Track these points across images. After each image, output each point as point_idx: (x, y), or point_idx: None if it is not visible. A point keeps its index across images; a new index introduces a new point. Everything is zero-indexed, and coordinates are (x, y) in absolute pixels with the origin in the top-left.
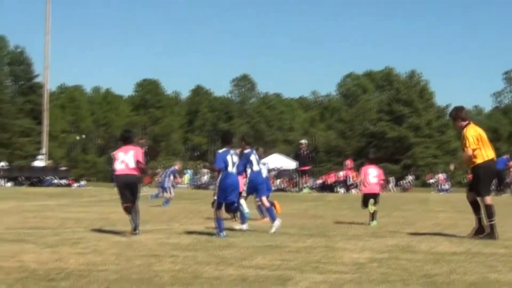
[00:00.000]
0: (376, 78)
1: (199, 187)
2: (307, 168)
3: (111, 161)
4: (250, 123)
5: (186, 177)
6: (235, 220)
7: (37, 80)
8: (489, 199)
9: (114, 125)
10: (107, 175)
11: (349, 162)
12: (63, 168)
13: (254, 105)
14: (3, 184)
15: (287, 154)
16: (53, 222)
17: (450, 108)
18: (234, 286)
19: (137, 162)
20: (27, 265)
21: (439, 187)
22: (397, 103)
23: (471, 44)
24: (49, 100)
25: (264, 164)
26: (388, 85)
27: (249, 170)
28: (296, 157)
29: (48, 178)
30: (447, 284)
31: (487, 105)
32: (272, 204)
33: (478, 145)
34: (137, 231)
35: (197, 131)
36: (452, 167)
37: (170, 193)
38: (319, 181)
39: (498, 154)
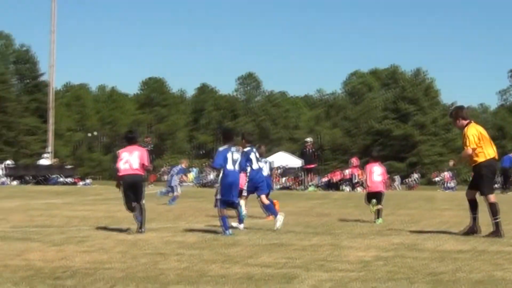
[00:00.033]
0: (382, 76)
1: (204, 185)
2: (312, 166)
3: (115, 159)
4: (256, 121)
5: (191, 175)
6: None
7: (42, 78)
8: (492, 197)
9: (119, 124)
10: (113, 174)
11: (354, 160)
12: (69, 167)
13: (260, 103)
14: (8, 183)
15: (293, 152)
16: (59, 221)
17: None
18: (240, 284)
19: (142, 165)
20: (33, 264)
21: (445, 185)
22: (403, 101)
23: (477, 42)
24: (55, 99)
25: (266, 162)
26: (394, 83)
27: (248, 169)
28: (301, 155)
29: (53, 176)
30: (452, 282)
31: (493, 103)
32: (272, 202)
33: (480, 144)
34: (142, 229)
35: (202, 129)
36: (451, 162)
37: (177, 191)
38: (325, 179)
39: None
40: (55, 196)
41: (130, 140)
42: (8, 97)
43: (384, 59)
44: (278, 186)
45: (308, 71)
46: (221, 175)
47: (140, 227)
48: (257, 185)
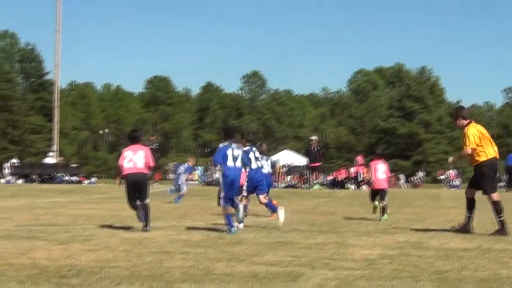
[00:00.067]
0: (387, 74)
1: (209, 183)
2: (317, 164)
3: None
4: (261, 119)
5: (196, 174)
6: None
7: (47, 77)
8: (495, 196)
9: (124, 122)
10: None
11: (359, 159)
12: (74, 165)
13: (265, 102)
14: (14, 181)
15: (298, 150)
16: (64, 219)
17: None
18: (245, 282)
19: (147, 164)
20: (39, 262)
21: (450, 183)
22: (408, 99)
23: (482, 40)
24: (60, 97)
25: (267, 159)
26: (399, 81)
27: (247, 168)
28: (306, 153)
29: (59, 175)
30: (458, 280)
31: (498, 101)
32: (270, 200)
33: (481, 144)
34: (148, 228)
35: (207, 127)
36: (450, 159)
37: (183, 190)
38: (330, 178)
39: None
40: (60, 194)
41: (134, 139)
42: (14, 96)
43: (389, 57)
44: (283, 185)
45: (313, 69)
46: (221, 172)
47: (145, 226)
48: (256, 184)
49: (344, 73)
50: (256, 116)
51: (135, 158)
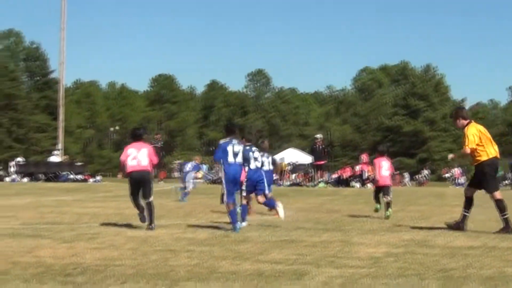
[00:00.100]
0: (392, 72)
1: (214, 182)
2: (322, 162)
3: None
4: (265, 118)
5: (201, 172)
6: (249, 212)
7: (52, 75)
8: (498, 194)
9: (129, 121)
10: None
11: (364, 157)
12: (79, 164)
13: (269, 100)
14: (19, 180)
15: (303, 148)
16: (69, 217)
17: (466, 102)
18: (250, 281)
19: (150, 160)
20: (44, 260)
21: (455, 181)
22: (413, 97)
23: (487, 38)
24: (65, 96)
25: (268, 156)
26: (404, 79)
27: (246, 168)
28: (311, 151)
29: (64, 173)
30: (463, 278)
31: (503, 99)
32: (270, 202)
33: (481, 143)
34: (152, 226)
35: (212, 126)
36: (450, 156)
37: (189, 188)
38: (335, 176)
39: None
40: (65, 193)
41: (137, 136)
42: (18, 95)
43: (394, 55)
44: (288, 183)
45: (318, 67)
46: (222, 168)
47: (150, 223)
48: (255, 184)
49: (349, 71)
50: (261, 114)
51: (139, 156)
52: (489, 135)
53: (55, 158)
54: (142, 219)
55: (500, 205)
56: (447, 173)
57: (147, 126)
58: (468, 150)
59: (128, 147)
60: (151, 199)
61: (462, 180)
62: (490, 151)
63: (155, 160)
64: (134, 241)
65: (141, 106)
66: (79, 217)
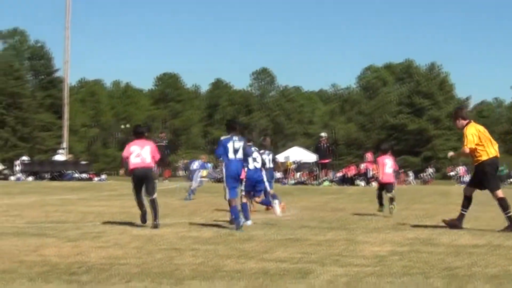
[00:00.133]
0: (396, 71)
1: (219, 180)
2: (327, 161)
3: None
4: (270, 116)
5: (205, 171)
6: (252, 208)
7: (57, 74)
8: (500, 193)
9: (134, 119)
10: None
11: (369, 155)
12: (84, 162)
13: (274, 99)
14: (24, 179)
15: (307, 147)
16: (74, 216)
17: (471, 100)
18: (255, 279)
19: (153, 157)
20: (49, 259)
21: (460, 179)
22: (417, 95)
23: (492, 36)
24: (69, 95)
25: (268, 154)
26: (408, 77)
27: (245, 169)
28: (316, 150)
29: (68, 172)
30: (468, 276)
31: (508, 97)
32: (266, 200)
33: (481, 143)
34: (157, 222)
35: (216, 124)
36: (450, 154)
37: (194, 185)
38: (340, 174)
39: None
40: (70, 191)
41: (139, 134)
42: (23, 93)
43: (399, 53)
44: (293, 181)
45: (323, 65)
46: (223, 164)
47: (155, 219)
48: (254, 184)
49: (354, 69)
50: (265, 112)
51: (142, 153)
52: (488, 135)
53: (60, 157)
54: (143, 221)
55: (503, 204)
56: (452, 171)
57: (151, 125)
58: (467, 150)
59: (130, 144)
60: (155, 195)
61: (467, 178)
62: (490, 150)
63: (158, 157)
64: (139, 240)
65: (145, 104)
66: (84, 216)
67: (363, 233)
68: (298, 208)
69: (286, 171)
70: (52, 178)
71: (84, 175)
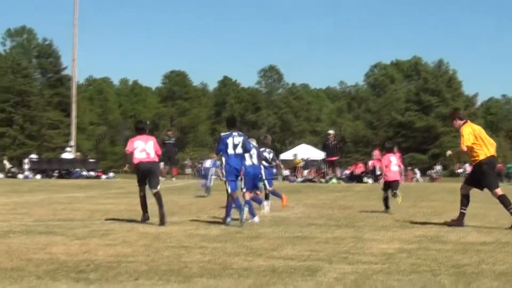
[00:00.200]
0: (404, 68)
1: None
2: (335, 158)
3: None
4: (278, 114)
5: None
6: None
7: (65, 72)
8: (499, 190)
9: (142, 117)
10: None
11: (377, 153)
12: (92, 160)
13: (281, 96)
14: (32, 176)
15: (315, 144)
16: (82, 214)
17: (479, 97)
18: (263, 277)
19: (156, 152)
20: (57, 257)
21: None
22: (425, 92)
23: (499, 33)
24: (77, 93)
25: (269, 152)
26: (416, 74)
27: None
28: (324, 147)
29: (76, 170)
30: (476, 274)
31: None
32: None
33: (478, 142)
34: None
35: (224, 122)
36: (449, 152)
37: (202, 181)
38: (347, 172)
39: None
40: (78, 189)
41: (141, 129)
42: (31, 91)
43: (406, 50)
44: (301, 179)
45: (330, 63)
46: (223, 160)
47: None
48: (252, 179)
49: (361, 66)
50: (273, 110)
51: (147, 148)
52: (485, 135)
53: (68, 155)
54: (143, 221)
55: (504, 200)
56: (459, 168)
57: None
58: (464, 148)
59: (134, 139)
60: (158, 188)
61: None
62: (488, 150)
63: (160, 151)
64: (147, 238)
65: (153, 102)
66: (91, 214)
67: (371, 230)
68: (306, 206)
69: (295, 169)
70: (60, 176)
71: (92, 173)
